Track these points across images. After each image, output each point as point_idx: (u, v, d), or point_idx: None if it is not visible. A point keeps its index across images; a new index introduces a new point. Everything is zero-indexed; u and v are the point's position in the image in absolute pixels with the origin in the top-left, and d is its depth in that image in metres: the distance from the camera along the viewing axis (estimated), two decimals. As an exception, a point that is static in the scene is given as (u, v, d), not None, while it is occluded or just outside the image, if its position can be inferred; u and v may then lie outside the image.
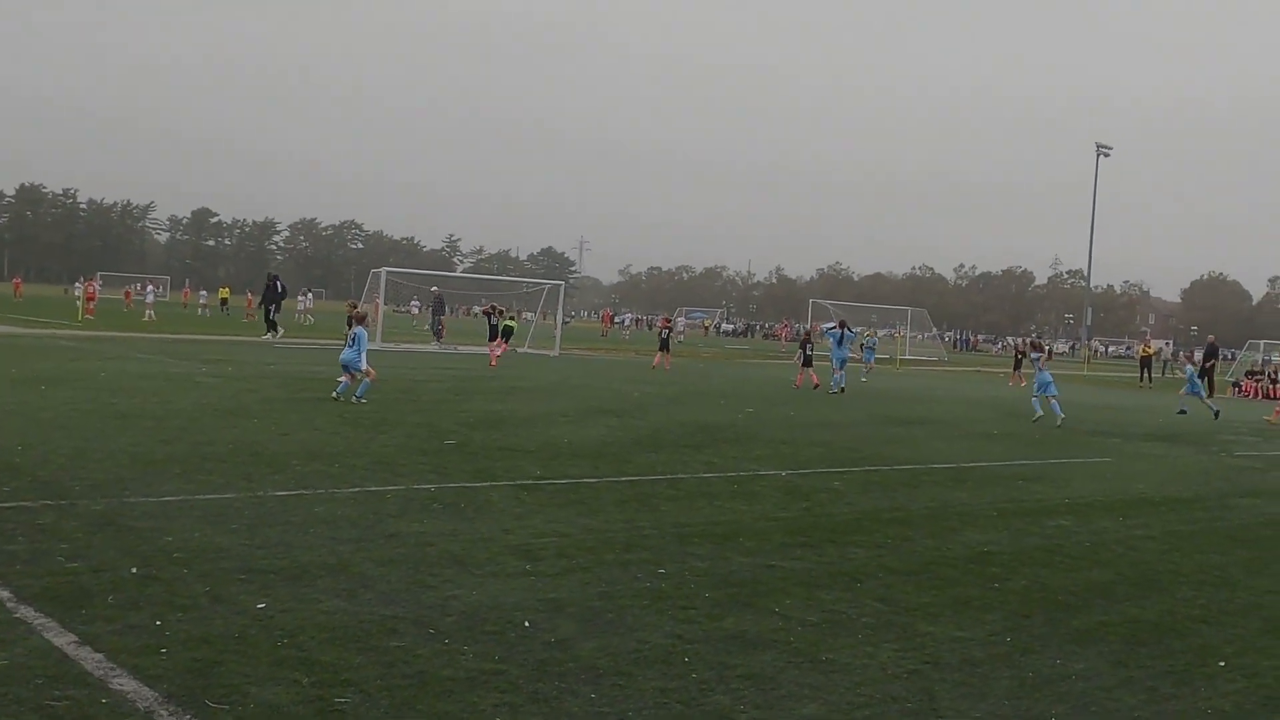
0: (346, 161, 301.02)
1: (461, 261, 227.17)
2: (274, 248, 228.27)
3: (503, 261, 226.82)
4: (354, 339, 18.87)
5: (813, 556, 8.52)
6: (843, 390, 27.68)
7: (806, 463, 13.99)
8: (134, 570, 6.80)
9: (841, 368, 28.59)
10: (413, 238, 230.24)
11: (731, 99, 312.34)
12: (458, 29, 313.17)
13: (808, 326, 38.90)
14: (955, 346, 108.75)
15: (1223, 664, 6.44)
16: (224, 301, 70.26)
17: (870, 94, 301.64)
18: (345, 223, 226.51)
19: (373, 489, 10.11)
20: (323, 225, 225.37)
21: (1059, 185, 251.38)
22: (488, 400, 19.75)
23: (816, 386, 28.15)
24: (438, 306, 44.24)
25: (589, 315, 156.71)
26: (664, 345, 34.65)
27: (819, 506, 10.83)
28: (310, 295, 67.84)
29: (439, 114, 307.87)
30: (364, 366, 18.38)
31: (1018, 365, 40.96)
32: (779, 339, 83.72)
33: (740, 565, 8.05)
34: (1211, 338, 44.77)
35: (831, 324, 32.42)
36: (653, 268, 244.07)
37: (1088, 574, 8.62)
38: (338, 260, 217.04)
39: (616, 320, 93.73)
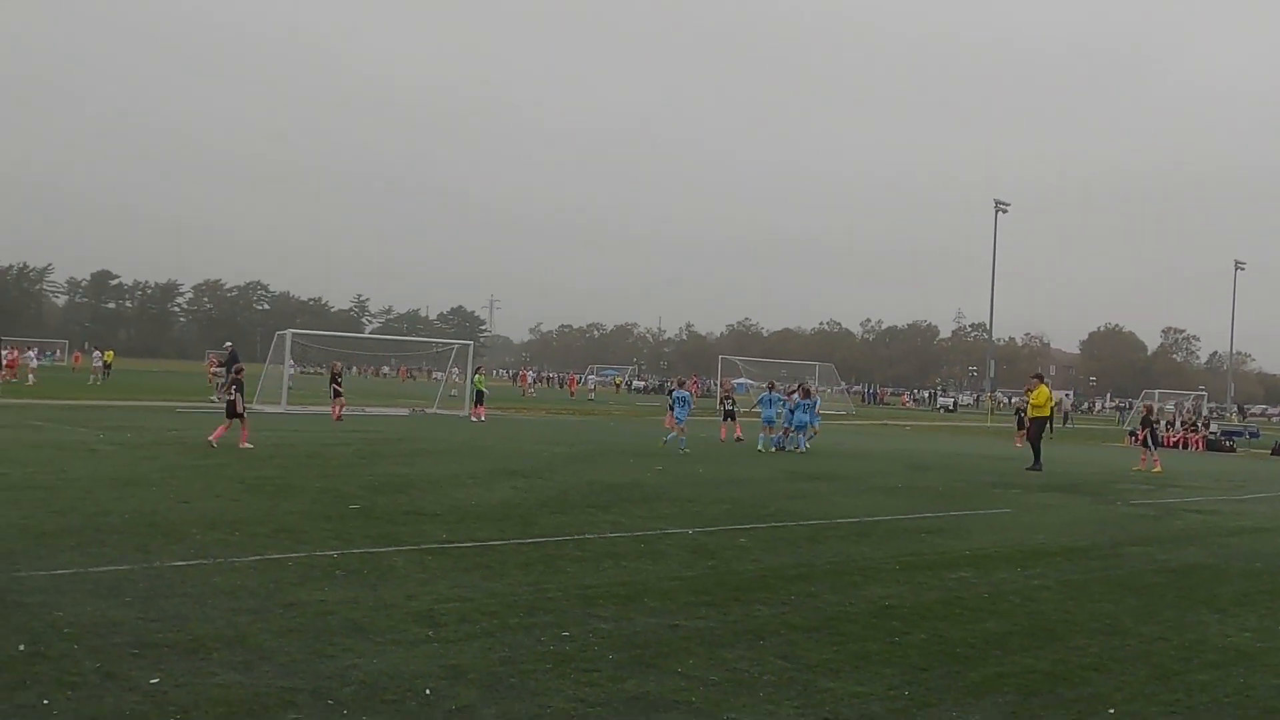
0: (251, 224, 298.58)
1: (370, 321, 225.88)
2: (177, 309, 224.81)
3: (412, 321, 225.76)
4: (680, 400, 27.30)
5: (717, 615, 8.57)
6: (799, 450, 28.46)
7: (713, 520, 14.07)
8: (21, 648, 6.61)
9: (800, 430, 29.18)
10: (320, 298, 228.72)
11: (642, 170, 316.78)
12: (360, 94, 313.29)
13: (719, 383, 39.44)
14: (863, 400, 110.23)
15: (1112, 711, 6.60)
16: (108, 365, 65.19)
17: (770, 166, 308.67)
18: (251, 283, 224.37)
19: (273, 557, 9.96)
20: (227, 286, 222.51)
21: (964, 251, 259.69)
22: (394, 463, 19.57)
23: (739, 439, 29.57)
24: (230, 362, 42.32)
25: (501, 374, 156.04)
26: (729, 415, 31.38)
27: (724, 564, 10.89)
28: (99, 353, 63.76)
29: (344, 178, 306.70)
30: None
31: (1020, 425, 38.11)
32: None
33: (645, 626, 8.07)
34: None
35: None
36: (564, 325, 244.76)
37: (985, 625, 8.78)
38: (243, 322, 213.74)
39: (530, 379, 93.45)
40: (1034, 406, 27.87)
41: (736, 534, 12.98)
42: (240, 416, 21.34)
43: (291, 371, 43.34)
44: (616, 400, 75.73)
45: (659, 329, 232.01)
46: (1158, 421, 44.84)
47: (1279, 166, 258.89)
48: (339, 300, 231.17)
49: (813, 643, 7.85)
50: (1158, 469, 27.92)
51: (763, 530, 13.46)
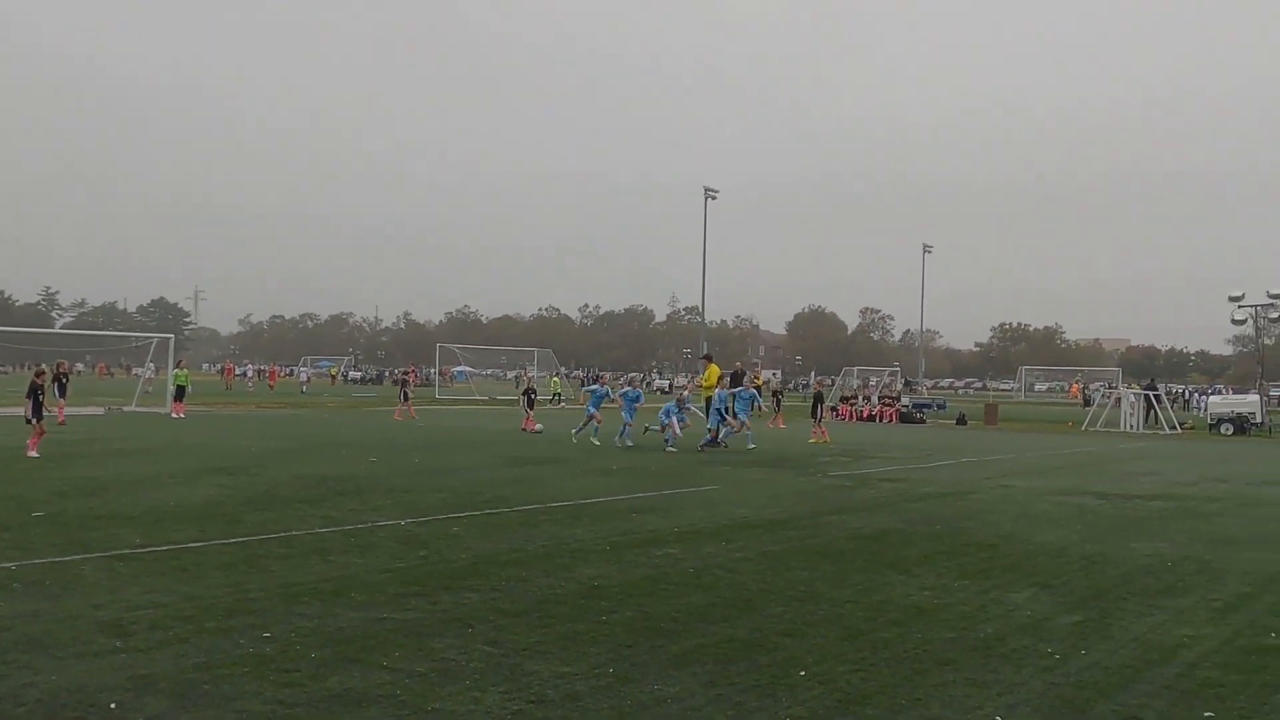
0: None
1: (61, 316, 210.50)
2: None
3: (109, 315, 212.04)
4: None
5: (425, 605, 8.50)
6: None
7: (428, 510, 13.93)
8: None
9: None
10: (2, 291, 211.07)
11: (350, 163, 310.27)
12: (43, 81, 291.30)
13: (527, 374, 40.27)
14: (583, 384, 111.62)
15: (803, 673, 6.95)
16: None
17: (486, 164, 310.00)
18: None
19: (-59, 573, 9.18)
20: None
21: (680, 241, 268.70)
22: (87, 466, 18.41)
23: (539, 431, 30.68)
24: None
25: (208, 368, 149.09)
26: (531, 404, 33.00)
27: (436, 554, 10.81)
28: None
29: (24, 167, 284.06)
30: (592, 412, 27.37)
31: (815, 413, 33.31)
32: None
33: (350, 621, 7.91)
34: (739, 364, 47.80)
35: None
36: (275, 316, 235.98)
37: (690, 599, 9.07)
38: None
39: (238, 373, 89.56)
40: (705, 387, 29.24)
41: (450, 523, 12.91)
42: (38, 419, 20.54)
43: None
44: (332, 392, 73.77)
45: (376, 318, 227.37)
46: (854, 397, 48.70)
47: (958, 176, 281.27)
48: (24, 294, 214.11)
49: (521, 627, 7.90)
50: (814, 440, 30.71)
51: (478, 518, 13.44)
